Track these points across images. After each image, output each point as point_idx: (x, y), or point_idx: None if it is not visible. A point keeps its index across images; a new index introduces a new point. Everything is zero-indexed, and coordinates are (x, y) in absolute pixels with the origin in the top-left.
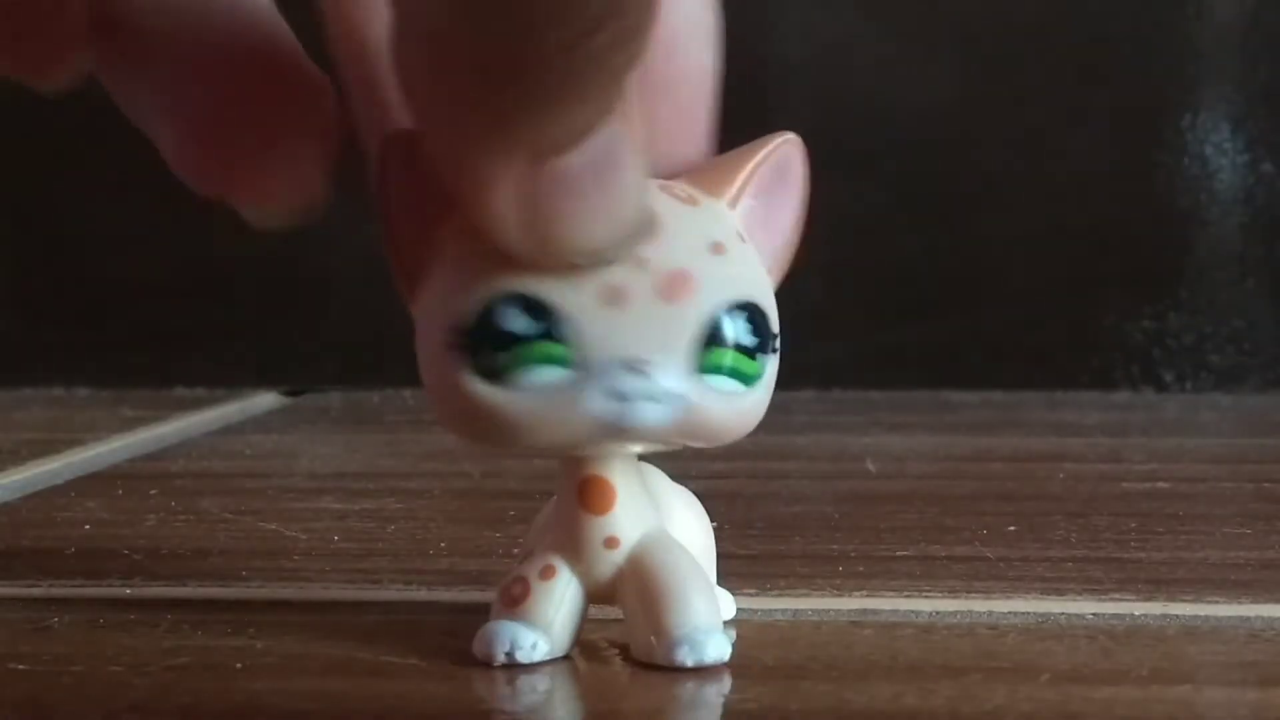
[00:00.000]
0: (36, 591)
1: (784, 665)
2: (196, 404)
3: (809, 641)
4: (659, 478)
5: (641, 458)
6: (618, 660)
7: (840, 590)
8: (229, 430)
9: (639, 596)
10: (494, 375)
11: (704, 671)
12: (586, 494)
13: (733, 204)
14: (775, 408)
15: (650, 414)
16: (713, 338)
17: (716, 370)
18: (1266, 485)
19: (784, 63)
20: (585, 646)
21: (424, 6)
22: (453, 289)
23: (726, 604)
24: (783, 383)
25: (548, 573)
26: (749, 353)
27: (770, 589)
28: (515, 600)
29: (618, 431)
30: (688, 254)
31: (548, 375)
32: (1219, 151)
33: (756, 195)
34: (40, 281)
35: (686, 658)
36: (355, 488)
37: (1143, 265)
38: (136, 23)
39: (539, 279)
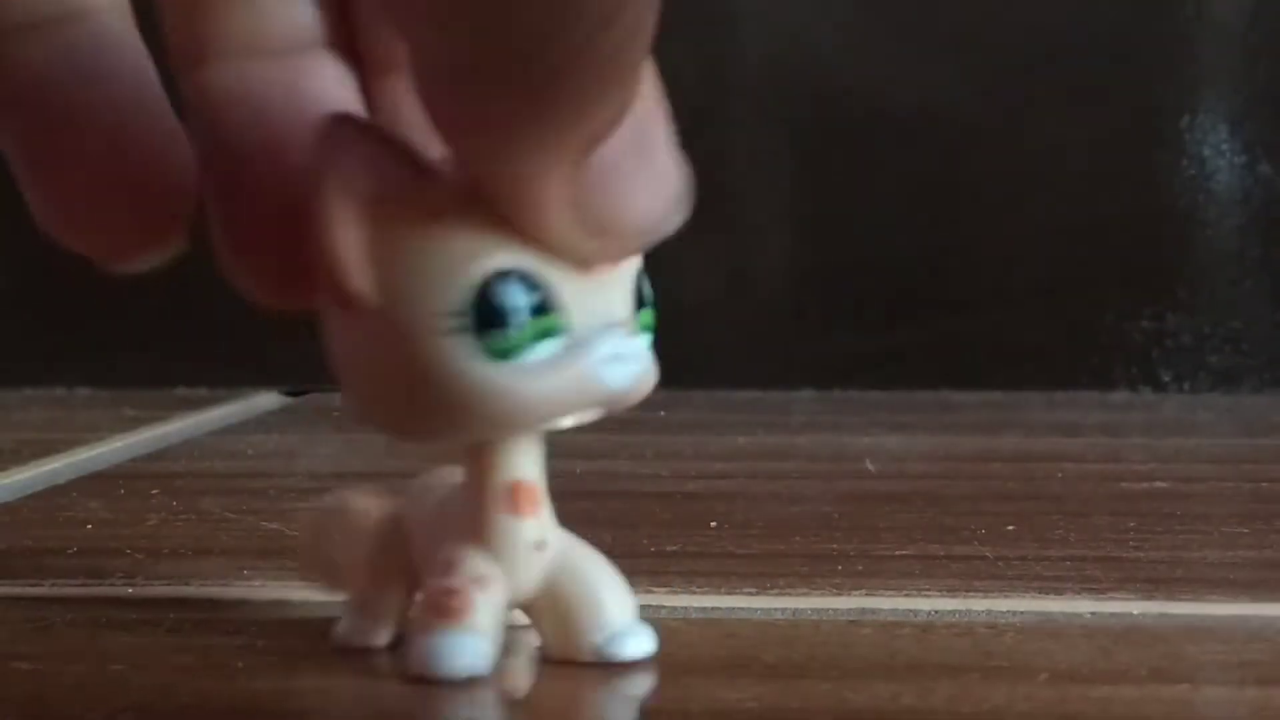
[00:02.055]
0: (38, 591)
1: (783, 664)
2: (198, 404)
3: (808, 641)
4: None
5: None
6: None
7: (839, 589)
8: (230, 430)
9: (569, 597)
10: (502, 354)
11: (694, 669)
12: (519, 498)
13: None
14: (775, 408)
15: (638, 374)
16: (640, 299)
17: (645, 329)
18: (1264, 485)
19: (785, 62)
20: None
21: (444, 42)
22: (432, 276)
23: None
24: (783, 382)
25: (482, 581)
26: (653, 307)
27: (770, 588)
28: (456, 613)
29: (619, 396)
30: None
31: (549, 348)
32: (1217, 152)
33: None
34: (41, 281)
35: (631, 650)
36: (355, 488)
37: (1141, 266)
38: (7, 47)
39: (523, 252)
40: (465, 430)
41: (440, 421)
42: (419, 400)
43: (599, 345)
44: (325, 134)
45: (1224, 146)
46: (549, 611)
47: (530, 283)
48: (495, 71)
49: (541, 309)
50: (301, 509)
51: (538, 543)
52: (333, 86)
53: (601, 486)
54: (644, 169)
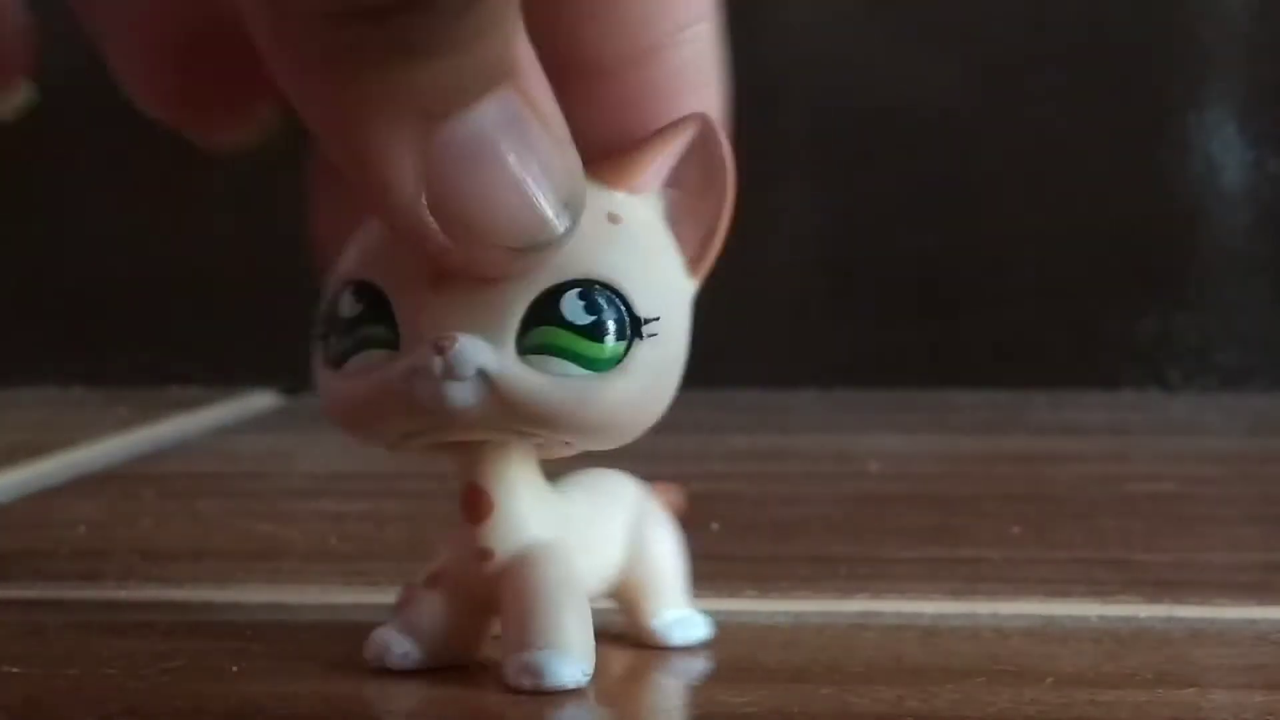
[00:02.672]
0: (31, 593)
1: (786, 668)
2: (192, 404)
3: (812, 644)
4: (579, 488)
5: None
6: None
7: (843, 593)
8: (226, 430)
9: (503, 613)
10: (333, 362)
11: (697, 671)
12: (465, 502)
13: (631, 189)
14: (776, 408)
15: (458, 393)
16: (539, 316)
17: (545, 350)
18: (1273, 486)
19: (786, 62)
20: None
21: None
22: (329, 283)
23: (695, 625)
24: (784, 382)
25: (431, 581)
26: (586, 332)
27: (772, 591)
28: (398, 607)
29: (430, 414)
30: None
31: (372, 358)
32: (1224, 150)
33: (677, 184)
34: (35, 281)
35: (524, 681)
36: (352, 489)
37: (1148, 265)
38: None
39: (373, 265)
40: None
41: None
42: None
43: (413, 358)
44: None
45: (1231, 144)
46: (502, 621)
47: (365, 293)
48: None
49: (366, 318)
50: (298, 510)
51: (480, 551)
52: None
53: None
54: (506, 158)
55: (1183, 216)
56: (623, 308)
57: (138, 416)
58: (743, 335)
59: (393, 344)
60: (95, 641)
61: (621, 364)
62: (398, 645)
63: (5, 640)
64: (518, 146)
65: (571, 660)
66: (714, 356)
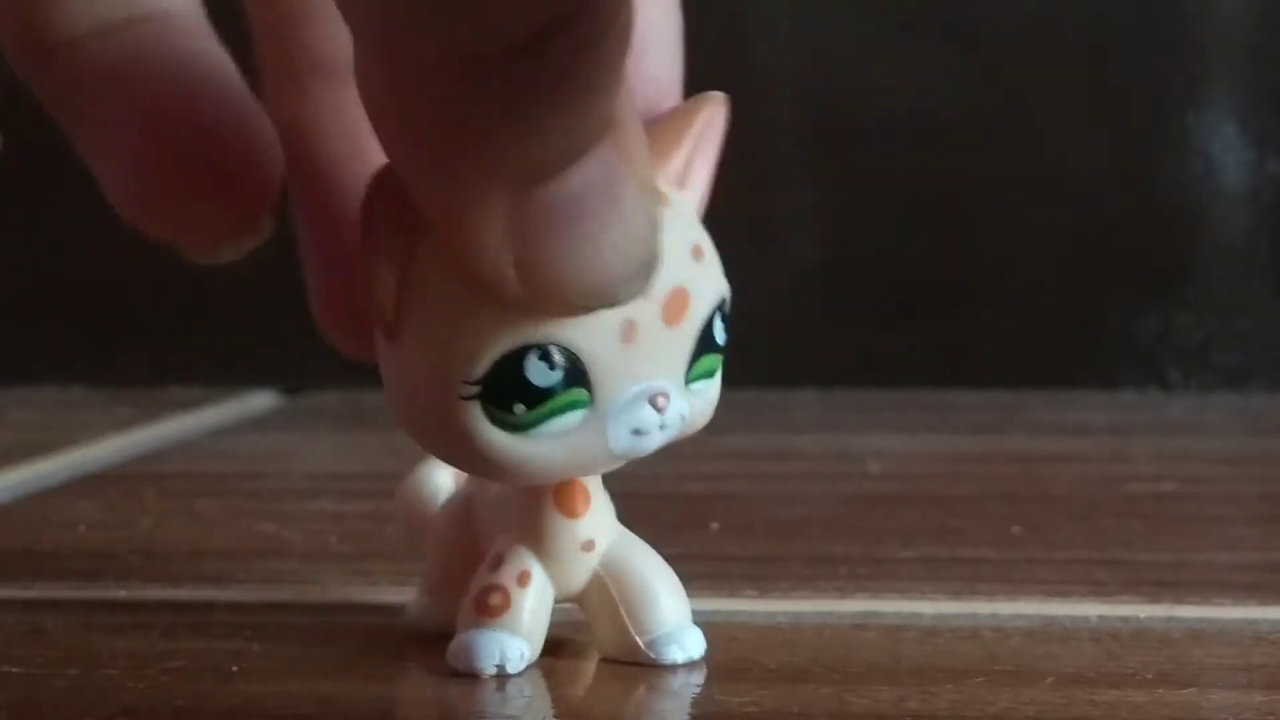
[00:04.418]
0: (31, 594)
1: (786, 668)
2: (193, 404)
3: (811, 644)
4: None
5: None
6: (595, 661)
7: (842, 592)
8: (226, 430)
9: (617, 598)
10: (518, 429)
11: (695, 672)
12: (564, 498)
13: (681, 184)
14: (776, 408)
15: (660, 441)
16: (704, 347)
17: (704, 376)
18: (1273, 486)
19: (785, 62)
20: (563, 649)
21: (373, 23)
22: (459, 334)
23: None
24: (784, 382)
25: (525, 579)
26: (724, 350)
27: (772, 591)
28: (496, 610)
29: (626, 459)
30: (678, 266)
31: (569, 420)
32: (1224, 149)
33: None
34: (35, 280)
35: (676, 654)
36: (353, 488)
37: (1148, 264)
38: (81, 51)
39: (558, 324)
40: (481, 475)
41: (467, 469)
42: (439, 443)
43: (622, 417)
44: (379, 176)
45: (1231, 143)
46: (601, 609)
47: (554, 359)
48: (424, 56)
49: (563, 385)
50: (298, 510)
51: (585, 543)
52: None
53: None
54: (602, 221)
55: (1183, 216)
56: (727, 312)
57: (138, 416)
58: (743, 335)
59: (588, 404)
60: (95, 641)
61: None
62: (513, 648)
63: (5, 640)
64: (608, 212)
65: (697, 630)
66: None
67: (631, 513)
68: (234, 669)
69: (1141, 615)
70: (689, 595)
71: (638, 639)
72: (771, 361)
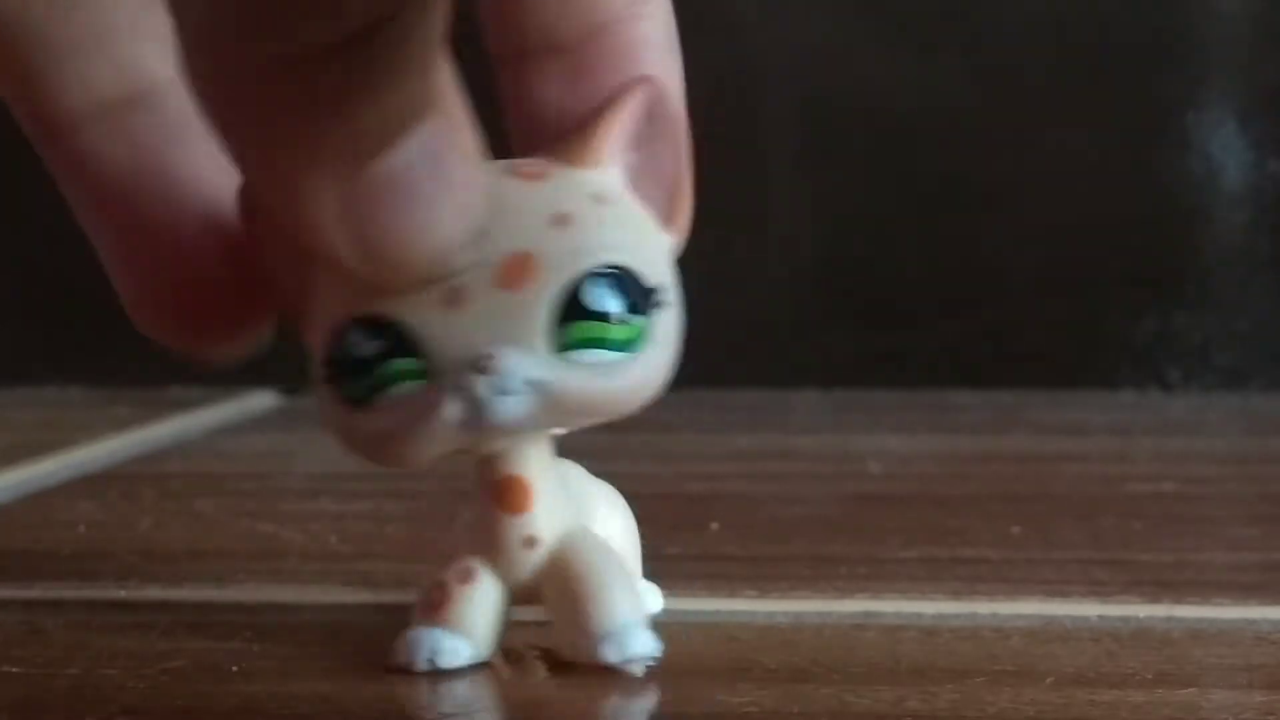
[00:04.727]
0: (30, 594)
1: (786, 668)
2: (192, 404)
3: (811, 644)
4: (579, 474)
5: (562, 449)
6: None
7: (843, 592)
8: (225, 430)
9: (562, 595)
10: (357, 402)
11: (697, 674)
12: (504, 494)
13: (597, 166)
14: (776, 408)
15: (508, 408)
16: (571, 313)
17: (586, 344)
18: (1273, 486)
19: (784, 62)
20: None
21: (197, 27)
22: (316, 323)
23: (653, 599)
24: (784, 383)
25: (467, 576)
26: (619, 319)
27: (772, 591)
28: (435, 606)
29: (481, 432)
30: (526, 234)
31: (404, 391)
32: (1224, 149)
33: (631, 149)
34: (35, 280)
35: (611, 654)
36: (352, 489)
37: (1148, 264)
38: (82, 139)
39: (381, 296)
40: (371, 463)
41: (351, 453)
42: (330, 434)
43: (453, 384)
44: (242, 202)
45: (1231, 143)
46: (552, 606)
47: (381, 330)
48: (241, 46)
49: (393, 354)
50: (298, 510)
51: (527, 538)
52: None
53: None
54: (429, 191)
55: (1183, 216)
56: (636, 284)
57: (137, 416)
58: (743, 335)
59: (424, 374)
60: (95, 641)
61: (645, 339)
62: (448, 644)
63: (5, 640)
64: (436, 182)
65: (647, 629)
66: (714, 356)
67: (632, 513)
68: (234, 669)
69: (1141, 615)
70: (689, 595)
71: (583, 637)
72: (771, 361)
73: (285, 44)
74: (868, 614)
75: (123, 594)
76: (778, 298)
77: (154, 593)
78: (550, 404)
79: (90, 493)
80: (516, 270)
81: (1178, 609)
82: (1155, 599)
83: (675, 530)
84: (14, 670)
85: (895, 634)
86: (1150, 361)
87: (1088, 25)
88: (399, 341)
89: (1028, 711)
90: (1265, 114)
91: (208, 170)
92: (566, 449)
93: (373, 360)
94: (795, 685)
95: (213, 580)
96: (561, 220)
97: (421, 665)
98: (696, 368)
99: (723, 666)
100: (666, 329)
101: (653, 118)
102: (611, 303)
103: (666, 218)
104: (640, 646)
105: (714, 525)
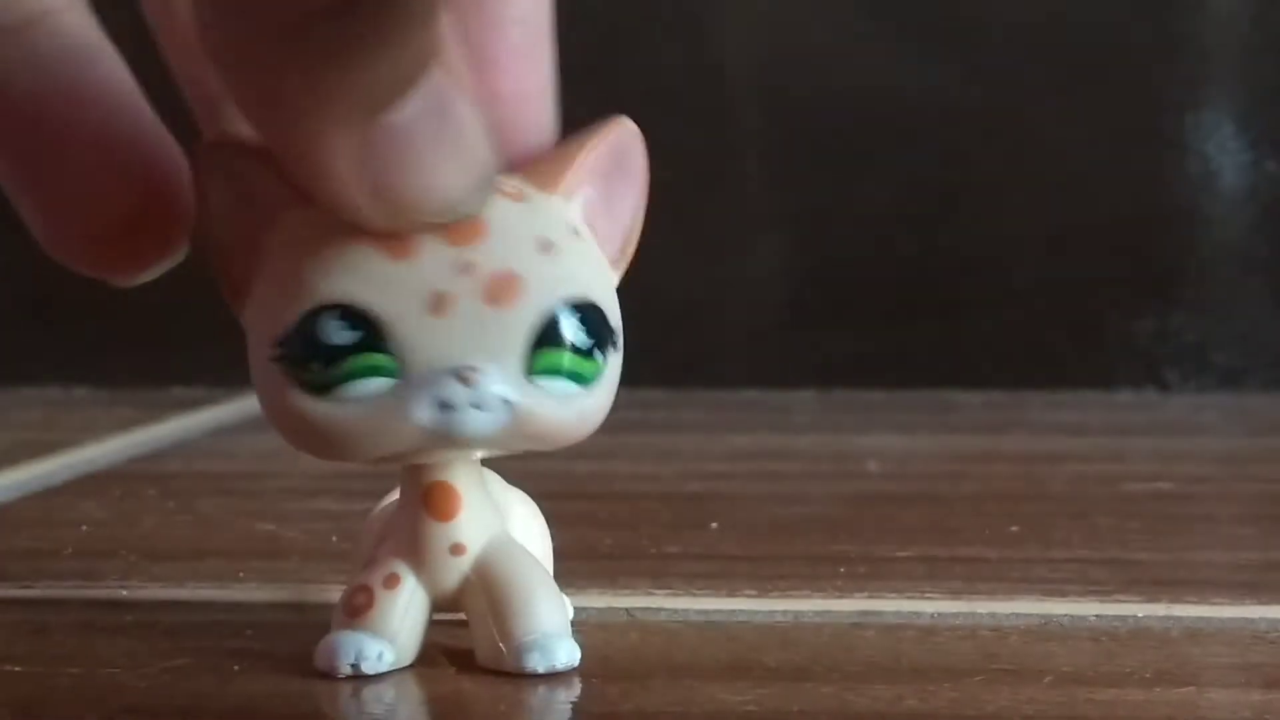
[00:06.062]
0: (33, 593)
1: (785, 667)
2: (194, 404)
3: (810, 643)
4: (496, 481)
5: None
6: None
7: (842, 592)
8: (227, 431)
9: (487, 603)
10: (318, 389)
11: (697, 673)
12: (432, 500)
13: (567, 196)
14: (776, 408)
15: (478, 422)
16: (545, 340)
17: (551, 373)
18: (1270, 486)
19: (784, 61)
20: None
21: None
22: (274, 300)
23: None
24: (784, 382)
25: (391, 581)
26: (585, 353)
27: (771, 590)
28: (359, 610)
29: (446, 440)
30: (515, 254)
31: (372, 386)
32: (1222, 150)
33: (594, 184)
34: (37, 280)
35: (538, 664)
36: (353, 488)
37: (1146, 265)
38: None
39: (360, 287)
40: (302, 451)
41: (286, 439)
42: (265, 411)
43: (428, 389)
44: (200, 162)
45: (1228, 144)
46: (473, 614)
47: (358, 320)
48: (254, 26)
49: (359, 346)
50: (299, 510)
51: (454, 545)
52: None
53: (601, 488)
54: (440, 140)
55: (1181, 216)
56: (604, 322)
57: (139, 416)
58: (743, 336)
59: (391, 371)
60: (97, 640)
61: (601, 378)
62: (371, 648)
63: (7, 639)
64: (445, 132)
65: (569, 639)
66: (714, 356)
67: (632, 512)
68: (235, 668)
69: (1139, 614)
70: (689, 595)
71: (502, 645)
72: (771, 361)
73: (289, 7)
74: (867, 613)
75: (124, 593)
76: (776, 298)
77: (156, 592)
78: (514, 426)
79: (92, 492)
80: (504, 288)
81: (1175, 608)
82: (1153, 598)
83: (675, 530)
84: (16, 669)
85: (894, 633)
86: (1148, 361)
87: (1087, 25)
88: (374, 335)
89: (1026, 710)
90: (1263, 115)
91: (111, 92)
92: (566, 449)
93: (344, 349)
94: (795, 684)
95: (214, 579)
96: (546, 247)
97: (344, 670)
98: (696, 368)
99: (722, 665)
100: (613, 372)
101: (621, 155)
102: (580, 336)
103: (614, 258)
104: (565, 656)
105: (714, 525)
